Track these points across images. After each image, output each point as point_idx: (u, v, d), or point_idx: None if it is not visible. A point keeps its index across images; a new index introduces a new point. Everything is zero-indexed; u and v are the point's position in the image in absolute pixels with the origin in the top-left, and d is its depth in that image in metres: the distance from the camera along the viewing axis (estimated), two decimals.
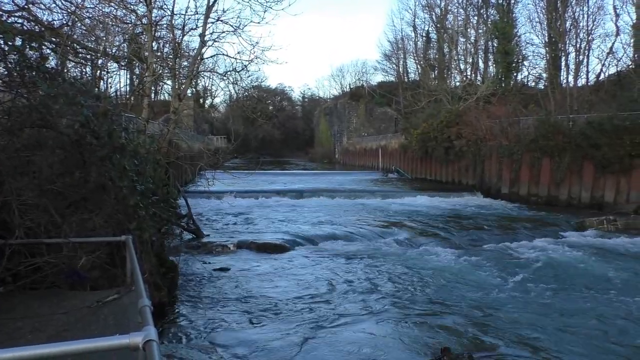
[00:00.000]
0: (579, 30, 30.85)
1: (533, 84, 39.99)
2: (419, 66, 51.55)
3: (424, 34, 50.89)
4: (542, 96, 30.01)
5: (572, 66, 31.54)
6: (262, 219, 17.89)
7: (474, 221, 17.81)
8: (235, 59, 14.25)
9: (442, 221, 17.64)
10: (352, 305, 8.82)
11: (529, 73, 40.86)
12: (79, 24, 10.38)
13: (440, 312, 8.58)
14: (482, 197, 24.66)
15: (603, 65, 34.83)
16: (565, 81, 32.26)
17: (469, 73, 42.09)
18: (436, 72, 46.51)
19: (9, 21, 7.05)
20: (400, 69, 56.03)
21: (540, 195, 22.77)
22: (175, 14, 13.98)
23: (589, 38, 30.85)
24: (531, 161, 22.98)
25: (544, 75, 36.44)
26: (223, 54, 14.82)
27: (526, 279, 10.49)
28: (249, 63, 14.44)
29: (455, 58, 42.16)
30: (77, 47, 9.88)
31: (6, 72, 5.74)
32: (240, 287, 9.88)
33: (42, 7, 9.09)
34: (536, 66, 39.02)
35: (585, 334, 7.67)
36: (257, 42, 14.11)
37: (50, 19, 9.15)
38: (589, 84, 32.11)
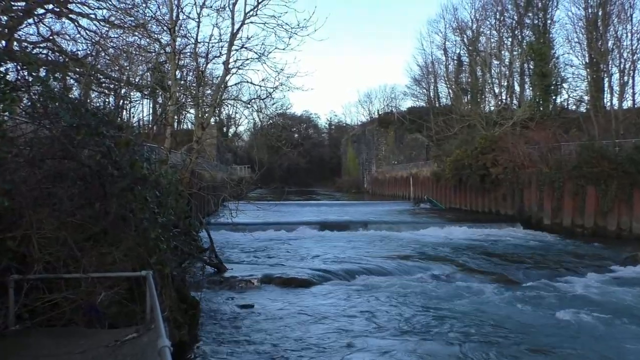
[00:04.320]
0: (622, 50, 30.45)
1: (574, 107, 39.49)
2: (450, 90, 51.51)
3: (455, 57, 51.07)
4: (584, 120, 29.51)
5: (616, 88, 31.02)
6: (288, 252, 17.82)
7: (515, 254, 17.38)
8: (260, 86, 14.50)
9: (481, 255, 17.27)
10: (386, 346, 8.59)
11: (569, 96, 40.39)
12: (103, 54, 10.75)
13: (483, 355, 8.27)
14: (522, 228, 24.11)
15: None
16: (609, 104, 31.70)
17: (504, 97, 41.87)
18: (469, 96, 46.36)
19: (34, 52, 7.34)
20: (431, 94, 56.07)
21: (585, 226, 22.11)
22: (199, 42, 14.38)
23: (634, 58, 30.37)
24: (574, 189, 22.42)
25: (586, 97, 35.95)
26: (247, 82, 15.08)
27: (577, 319, 10.05)
28: (274, 90, 14.66)
29: (489, 81, 42.06)
30: (101, 77, 10.22)
31: (30, 104, 5.94)
32: (264, 325, 9.75)
33: (67, 37, 9.47)
34: (577, 88, 38.56)
35: None
36: (282, 69, 14.29)
37: (74, 50, 9.50)
38: (635, 106, 31.44)
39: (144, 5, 11.62)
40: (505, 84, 41.26)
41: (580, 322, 9.90)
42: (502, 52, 41.41)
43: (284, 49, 14.02)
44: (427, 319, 10.19)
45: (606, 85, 32.16)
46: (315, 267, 14.95)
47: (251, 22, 13.85)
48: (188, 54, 15.52)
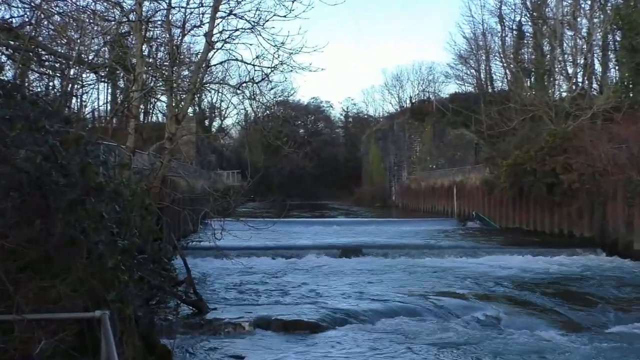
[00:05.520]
0: None
1: None
2: (508, 71, 51.46)
3: (514, 27, 50.97)
4: None
5: None
6: (290, 286, 17.88)
7: (596, 291, 17.26)
8: (254, 65, 14.54)
9: (548, 291, 17.18)
10: None
11: None
12: (46, 22, 10.81)
13: None
14: (604, 255, 24.07)
15: None
16: None
17: (580, 79, 41.63)
18: (533, 78, 46.23)
19: None
20: (482, 76, 56.05)
21: None
22: (174, 7, 14.48)
23: None
24: None
25: None
26: (237, 59, 15.12)
27: None
28: (272, 71, 14.71)
29: (560, 59, 41.86)
30: (43, 52, 10.26)
31: None
32: None
33: None
34: None
35: None
36: (282, 43, 14.32)
37: (7, 16, 9.55)
38: None
39: None
40: (582, 62, 41.04)
41: None
42: (578, 19, 41.26)
43: (285, 16, 14.05)
44: None
45: None
46: (327, 305, 14.96)
47: None
48: (159, 23, 15.63)
